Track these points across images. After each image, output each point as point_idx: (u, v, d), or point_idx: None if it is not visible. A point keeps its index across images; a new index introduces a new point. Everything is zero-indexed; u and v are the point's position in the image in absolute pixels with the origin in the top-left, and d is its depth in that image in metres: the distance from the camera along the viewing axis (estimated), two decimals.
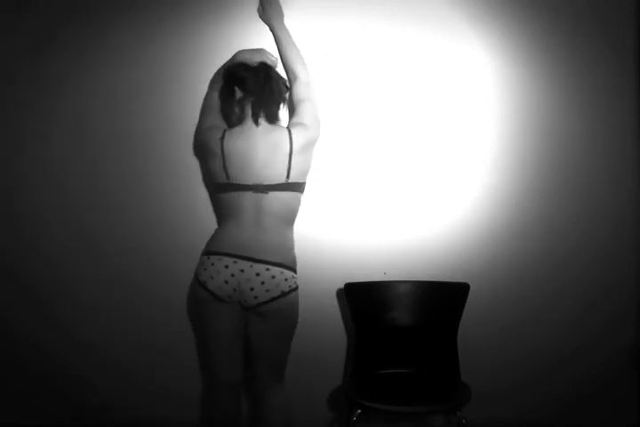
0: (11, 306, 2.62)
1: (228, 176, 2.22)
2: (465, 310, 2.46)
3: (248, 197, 2.20)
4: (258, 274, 2.15)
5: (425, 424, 2.64)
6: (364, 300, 2.47)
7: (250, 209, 2.21)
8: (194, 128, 2.48)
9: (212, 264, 2.19)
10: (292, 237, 2.30)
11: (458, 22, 2.56)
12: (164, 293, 2.56)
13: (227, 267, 2.17)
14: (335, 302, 2.58)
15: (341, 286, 2.48)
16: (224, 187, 2.25)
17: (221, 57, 2.45)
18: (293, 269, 2.23)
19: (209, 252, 2.24)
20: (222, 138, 2.23)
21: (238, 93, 2.25)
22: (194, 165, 2.54)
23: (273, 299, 2.16)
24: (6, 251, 2.62)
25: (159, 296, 2.57)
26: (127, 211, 2.58)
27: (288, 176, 2.22)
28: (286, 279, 2.19)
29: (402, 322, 2.48)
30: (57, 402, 2.64)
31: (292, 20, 2.52)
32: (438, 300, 2.50)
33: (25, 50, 2.56)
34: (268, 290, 2.15)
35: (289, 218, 2.28)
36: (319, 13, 2.54)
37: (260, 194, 2.20)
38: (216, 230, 2.33)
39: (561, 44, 2.58)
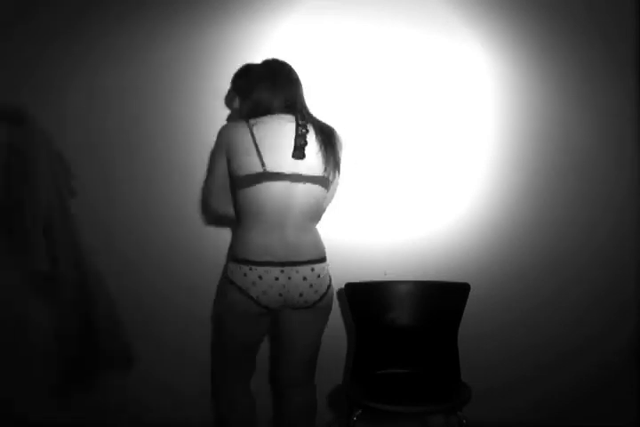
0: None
1: (263, 164, 2.08)
2: (465, 310, 2.46)
3: (282, 188, 2.09)
4: (305, 278, 2.11)
5: (425, 424, 2.64)
6: (365, 300, 2.47)
7: (282, 204, 2.09)
8: (203, 127, 2.46)
9: (260, 277, 2.08)
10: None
11: (458, 23, 2.56)
12: (175, 291, 2.55)
13: (277, 279, 2.09)
14: (335, 302, 2.58)
15: (341, 285, 2.48)
16: (256, 177, 2.09)
17: (227, 57, 2.45)
18: (326, 258, 2.21)
19: (249, 261, 2.10)
20: (251, 131, 2.11)
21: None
22: (202, 164, 2.53)
23: (321, 297, 2.15)
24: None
25: (168, 295, 2.57)
26: (132, 210, 2.57)
27: (325, 170, 2.15)
28: (327, 272, 2.19)
29: (402, 322, 2.48)
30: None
31: (293, 20, 2.53)
32: (438, 300, 2.50)
33: (34, 47, 2.55)
34: (316, 291, 2.13)
35: (316, 213, 2.20)
36: (319, 13, 2.54)
37: (296, 184, 2.10)
38: (245, 234, 2.14)
39: (559, 44, 2.59)
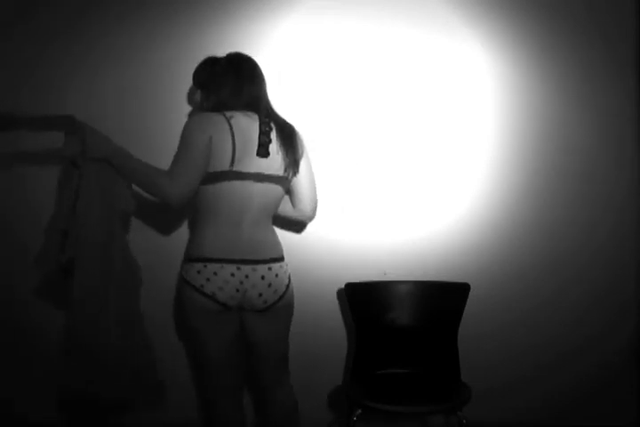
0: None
1: (232, 162, 2.04)
2: (465, 310, 2.46)
3: (243, 187, 2.05)
4: (263, 277, 2.08)
5: (425, 424, 2.64)
6: (365, 300, 2.47)
7: (240, 203, 2.06)
8: None
9: (215, 273, 2.04)
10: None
11: (458, 23, 2.57)
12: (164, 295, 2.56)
13: (233, 275, 2.05)
14: (335, 301, 2.58)
15: (341, 285, 2.47)
16: (221, 175, 2.04)
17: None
18: (283, 258, 2.17)
19: (204, 258, 2.05)
20: (230, 126, 2.05)
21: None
22: None
23: (280, 297, 2.12)
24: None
25: (158, 297, 2.57)
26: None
27: (285, 170, 2.13)
28: (285, 271, 2.16)
29: (402, 322, 2.48)
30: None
31: (293, 20, 2.53)
32: (438, 300, 2.50)
33: (34, 47, 2.55)
34: (275, 290, 2.10)
35: (272, 212, 2.18)
36: (319, 13, 2.54)
37: (256, 183, 2.07)
38: (201, 231, 2.09)
39: (559, 44, 2.59)
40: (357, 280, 2.49)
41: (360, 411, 2.23)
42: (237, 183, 2.06)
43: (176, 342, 2.58)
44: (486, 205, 2.60)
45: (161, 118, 2.54)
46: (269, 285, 2.09)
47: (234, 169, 2.05)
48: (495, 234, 2.60)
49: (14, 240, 2.62)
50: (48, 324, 2.62)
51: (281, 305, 2.13)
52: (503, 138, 2.60)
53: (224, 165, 2.04)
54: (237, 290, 2.07)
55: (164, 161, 2.51)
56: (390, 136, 2.58)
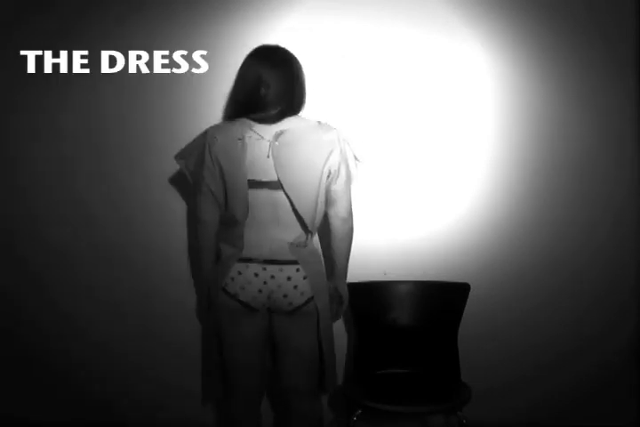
0: (26, 305, 2.63)
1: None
2: (465, 310, 2.46)
3: (263, 194, 2.04)
4: (289, 278, 2.04)
5: (425, 424, 2.64)
6: (365, 300, 2.47)
7: (266, 207, 2.05)
8: (204, 126, 2.46)
9: (240, 273, 2.04)
10: None
11: (458, 23, 2.56)
12: (179, 292, 2.57)
13: (256, 275, 2.04)
14: None
15: None
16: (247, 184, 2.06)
17: (226, 57, 2.45)
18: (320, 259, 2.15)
19: None
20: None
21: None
22: None
23: (309, 300, 2.07)
24: (27, 255, 2.63)
25: (172, 295, 2.58)
26: (137, 208, 2.59)
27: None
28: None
29: (402, 322, 2.48)
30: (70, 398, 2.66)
31: (293, 20, 2.53)
32: (438, 300, 2.50)
33: (35, 47, 2.55)
34: (302, 293, 2.05)
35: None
36: (319, 13, 2.54)
37: (275, 191, 2.04)
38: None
39: (559, 44, 2.58)
40: (357, 280, 2.48)
41: (360, 411, 2.24)
42: (253, 192, 2.04)
43: (182, 342, 2.59)
44: (486, 205, 2.60)
45: (161, 118, 2.54)
46: (295, 286, 2.05)
47: (248, 178, 2.04)
48: (495, 234, 2.60)
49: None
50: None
51: (309, 309, 2.07)
52: (503, 138, 2.60)
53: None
54: (260, 291, 2.04)
55: (164, 160, 2.55)
56: (390, 136, 2.58)
